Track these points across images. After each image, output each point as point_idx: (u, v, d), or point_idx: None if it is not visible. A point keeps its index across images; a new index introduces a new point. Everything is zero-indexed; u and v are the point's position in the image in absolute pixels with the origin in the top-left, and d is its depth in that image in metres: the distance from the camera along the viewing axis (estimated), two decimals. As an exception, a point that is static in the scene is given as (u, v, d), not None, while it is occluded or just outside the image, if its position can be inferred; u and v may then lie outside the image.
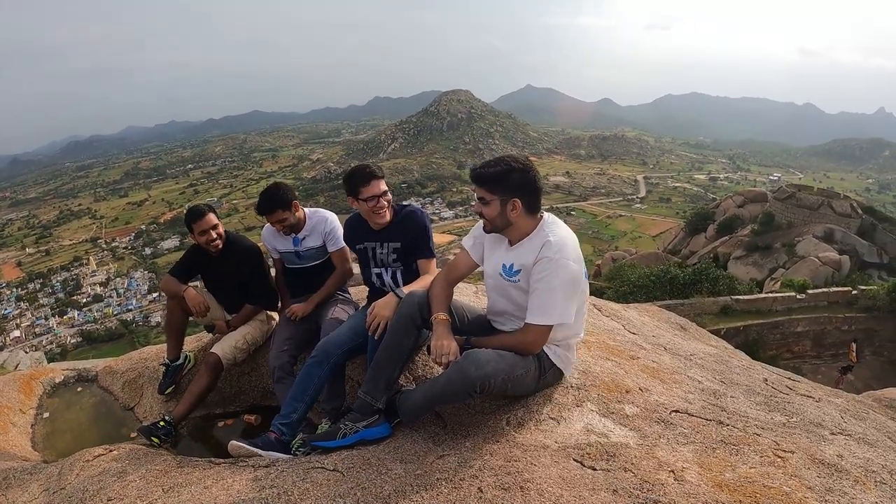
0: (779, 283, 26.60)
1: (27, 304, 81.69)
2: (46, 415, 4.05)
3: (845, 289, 20.88)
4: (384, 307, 2.90)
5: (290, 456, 2.75)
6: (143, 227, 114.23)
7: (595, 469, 2.15)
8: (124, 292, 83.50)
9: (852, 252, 32.96)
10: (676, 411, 2.64)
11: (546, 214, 2.67)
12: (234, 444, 2.78)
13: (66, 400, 4.37)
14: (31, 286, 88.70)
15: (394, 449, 2.55)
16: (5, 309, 79.96)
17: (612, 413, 2.62)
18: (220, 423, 3.79)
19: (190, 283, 3.95)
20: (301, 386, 3.00)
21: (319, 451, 2.69)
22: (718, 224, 42.55)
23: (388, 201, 3.27)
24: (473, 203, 2.70)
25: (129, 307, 78.11)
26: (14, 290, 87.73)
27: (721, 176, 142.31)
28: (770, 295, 20.81)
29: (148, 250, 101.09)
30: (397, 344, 2.76)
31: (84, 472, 2.75)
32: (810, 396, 3.25)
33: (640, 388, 2.88)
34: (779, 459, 2.20)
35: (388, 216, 3.28)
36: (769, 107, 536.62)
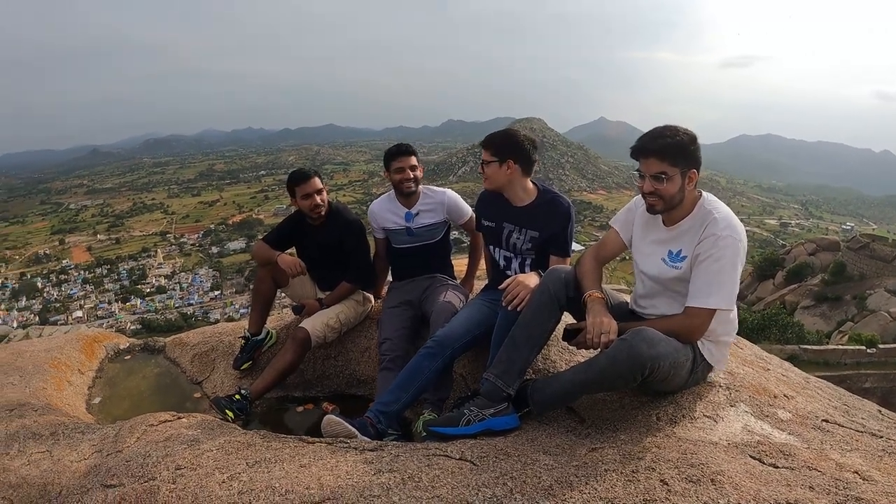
0: (846, 336, 25.44)
1: (92, 286, 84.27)
2: (97, 400, 3.77)
3: (919, 346, 19.78)
4: (528, 279, 2.63)
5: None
6: (212, 226, 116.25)
7: (777, 466, 1.93)
8: (187, 287, 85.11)
9: (926, 309, 31.02)
10: (826, 420, 2.42)
11: (704, 192, 2.38)
12: (332, 419, 2.53)
13: (128, 367, 4.24)
14: (98, 271, 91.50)
15: (528, 441, 2.26)
16: (71, 289, 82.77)
17: (767, 416, 2.38)
18: (299, 408, 3.55)
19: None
20: (409, 377, 2.75)
21: (437, 437, 2.41)
22: (788, 271, 40.72)
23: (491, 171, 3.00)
24: (638, 182, 2.37)
25: (191, 302, 79.40)
26: (81, 272, 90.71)
27: (792, 222, 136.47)
28: (840, 347, 20.07)
29: (214, 249, 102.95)
30: (538, 323, 2.49)
31: (147, 437, 2.43)
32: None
33: (785, 395, 2.65)
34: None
35: (489, 182, 3.03)
36: (845, 152, 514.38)
